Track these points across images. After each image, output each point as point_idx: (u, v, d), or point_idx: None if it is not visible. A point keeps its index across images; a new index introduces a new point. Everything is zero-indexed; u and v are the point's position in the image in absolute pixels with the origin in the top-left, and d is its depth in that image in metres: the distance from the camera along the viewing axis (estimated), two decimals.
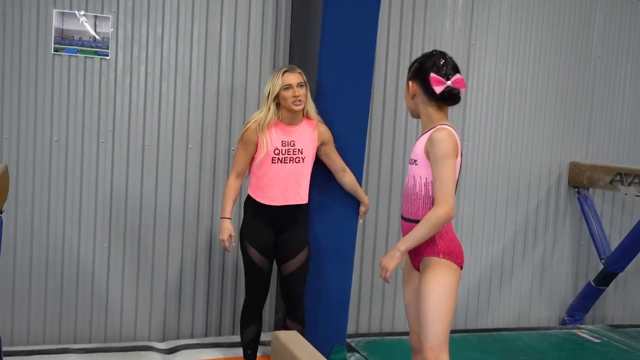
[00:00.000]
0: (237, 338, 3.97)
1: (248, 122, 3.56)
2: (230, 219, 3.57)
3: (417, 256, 2.76)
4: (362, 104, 4.04)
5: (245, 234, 3.58)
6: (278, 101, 3.46)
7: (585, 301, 5.29)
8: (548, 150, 5.22)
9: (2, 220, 2.92)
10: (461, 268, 2.69)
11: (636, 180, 4.71)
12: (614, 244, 5.13)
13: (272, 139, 3.47)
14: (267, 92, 3.48)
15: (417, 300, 2.74)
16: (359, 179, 4.05)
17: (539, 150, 5.19)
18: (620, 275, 5.19)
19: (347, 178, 3.77)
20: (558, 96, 5.20)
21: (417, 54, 4.60)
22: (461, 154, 2.68)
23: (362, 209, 3.92)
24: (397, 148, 4.77)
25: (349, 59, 3.94)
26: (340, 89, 3.95)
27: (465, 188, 4.99)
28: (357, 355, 4.30)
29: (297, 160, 3.52)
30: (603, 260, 5.05)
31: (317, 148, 3.61)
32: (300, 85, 3.45)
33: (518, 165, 5.15)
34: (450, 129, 2.61)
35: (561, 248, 5.38)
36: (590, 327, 5.17)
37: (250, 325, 3.63)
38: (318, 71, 3.93)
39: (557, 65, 5.18)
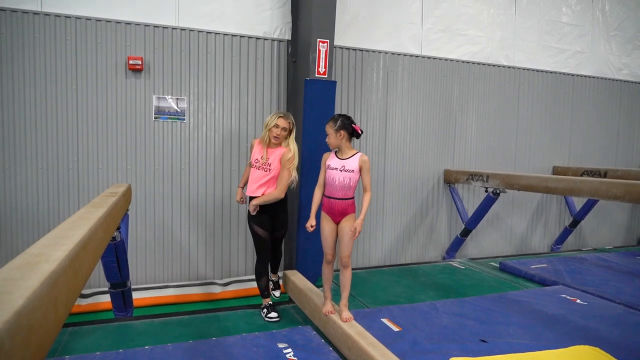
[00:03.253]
0: None
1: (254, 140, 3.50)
2: (242, 187, 3.51)
3: (342, 215, 2.98)
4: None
5: (252, 219, 3.39)
6: (269, 132, 3.32)
7: (455, 246, 5.50)
8: (432, 163, 5.40)
9: (128, 216, 3.10)
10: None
11: (480, 178, 4.93)
12: (470, 213, 5.35)
13: (254, 153, 3.39)
14: (266, 123, 3.35)
15: (333, 234, 3.05)
16: None
17: (427, 163, 5.37)
18: (474, 231, 5.47)
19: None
20: (436, 133, 5.38)
21: (358, 114, 4.97)
22: None
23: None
24: None
25: (319, 115, 4.02)
26: (315, 134, 4.00)
27: (389, 185, 5.19)
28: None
29: (264, 169, 3.34)
30: (464, 223, 5.30)
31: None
32: (284, 129, 3.32)
33: (416, 171, 5.33)
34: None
35: (441, 217, 5.55)
36: (458, 260, 5.34)
37: (264, 276, 3.48)
38: (303, 123, 4.11)
39: (434, 116, 5.36)
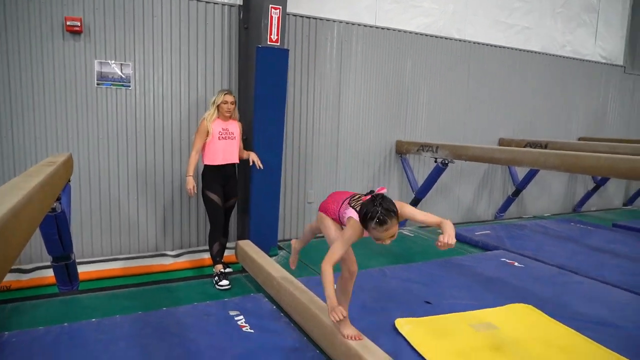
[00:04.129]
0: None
1: (202, 118, 3.66)
2: (192, 176, 3.59)
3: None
4: (279, 110, 4.17)
5: (206, 187, 3.64)
6: (218, 108, 3.64)
7: None
8: (384, 134, 5.48)
9: (70, 187, 3.00)
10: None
11: (430, 149, 5.06)
12: (420, 183, 5.48)
13: (215, 127, 3.62)
14: (213, 101, 3.66)
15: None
16: (279, 150, 4.19)
17: (380, 133, 5.44)
18: (423, 200, 5.58)
19: (244, 154, 3.87)
20: (389, 104, 5.46)
21: (312, 85, 4.94)
22: None
23: (252, 154, 3.86)
24: (302, 133, 4.97)
25: (271, 86, 4.06)
26: (267, 103, 4.07)
27: (342, 156, 5.22)
28: (284, 251, 4.50)
29: (231, 138, 3.68)
30: (414, 192, 5.47)
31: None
32: (232, 103, 3.65)
33: (369, 142, 5.39)
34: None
35: (393, 187, 5.66)
36: (408, 228, 5.49)
37: (216, 242, 3.66)
38: (254, 92, 4.05)
39: (387, 87, 5.41)
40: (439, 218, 2.17)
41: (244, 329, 2.69)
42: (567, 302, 3.27)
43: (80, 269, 3.62)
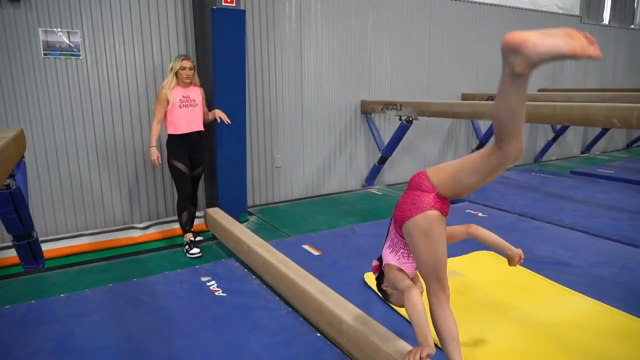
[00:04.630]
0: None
1: (161, 87, 3.56)
2: (155, 147, 3.53)
3: None
4: (239, 74, 4.06)
5: (172, 156, 3.56)
6: (177, 75, 3.53)
7: (373, 174, 5.69)
8: (349, 94, 5.44)
9: (25, 163, 2.84)
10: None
11: (394, 107, 5.04)
12: (386, 141, 5.51)
13: (175, 95, 3.53)
14: (171, 67, 3.54)
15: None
16: (242, 115, 4.09)
17: (344, 94, 5.41)
18: (390, 158, 5.64)
19: (209, 115, 3.78)
20: (352, 64, 5.39)
21: (272, 47, 4.79)
22: None
23: (217, 111, 3.77)
24: (265, 97, 4.88)
25: (229, 50, 3.95)
26: (226, 68, 3.96)
27: (307, 118, 5.17)
28: (254, 216, 4.51)
29: (193, 105, 3.59)
30: (381, 151, 5.48)
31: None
32: (190, 68, 3.54)
33: (334, 103, 5.36)
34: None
35: (360, 147, 5.67)
36: (376, 187, 5.62)
37: (185, 211, 3.63)
38: (212, 57, 3.92)
39: (349, 47, 5.34)
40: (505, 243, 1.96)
41: (216, 293, 2.72)
42: (527, 246, 3.42)
43: (46, 247, 3.55)
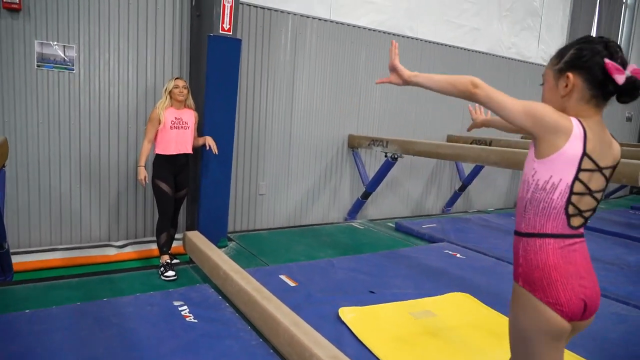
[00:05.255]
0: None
1: (154, 107, 3.59)
2: (144, 166, 3.51)
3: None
4: (231, 101, 4.11)
5: (156, 176, 3.53)
6: (171, 95, 3.56)
7: (356, 207, 5.70)
8: (338, 127, 5.51)
9: (4, 172, 2.88)
10: (561, 314, 1.20)
11: (380, 143, 5.11)
12: (371, 176, 5.47)
13: (168, 116, 3.53)
14: (165, 88, 3.60)
15: None
16: (230, 141, 4.15)
17: (333, 127, 5.47)
18: (374, 194, 5.67)
19: (200, 140, 3.82)
20: (343, 98, 5.47)
21: (265, 76, 4.89)
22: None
23: (208, 138, 3.79)
24: (255, 124, 4.90)
25: (222, 76, 4.01)
26: (218, 94, 3.99)
27: (295, 147, 5.19)
28: (234, 242, 4.47)
29: (185, 128, 3.61)
30: (365, 185, 5.49)
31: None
32: (184, 87, 3.58)
33: (322, 135, 5.40)
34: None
35: (344, 180, 5.69)
36: (359, 221, 5.65)
37: (165, 232, 3.59)
38: (206, 82, 3.97)
39: (341, 81, 5.43)
40: None
41: (187, 319, 2.67)
42: (502, 290, 3.45)
43: (16, 259, 3.47)
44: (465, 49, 6.60)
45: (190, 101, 3.74)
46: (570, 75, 1.26)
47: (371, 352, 2.42)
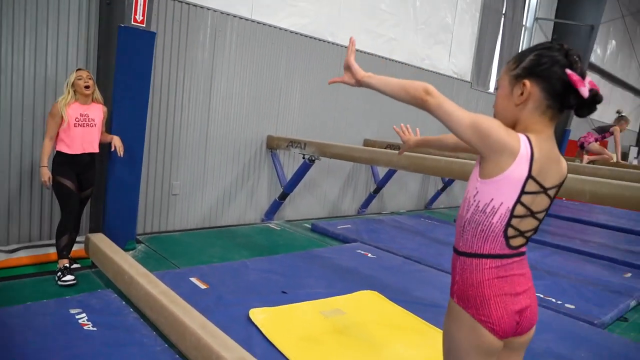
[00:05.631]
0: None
1: (56, 102, 3.32)
2: (47, 167, 3.28)
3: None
4: (142, 97, 3.93)
5: (57, 173, 3.27)
6: (74, 88, 3.29)
7: (274, 208, 5.69)
8: (257, 127, 5.47)
9: None
10: (492, 332, 1.20)
11: (299, 145, 5.15)
12: (289, 177, 5.52)
13: (71, 113, 3.27)
14: (66, 82, 3.32)
15: None
16: (141, 138, 3.98)
17: (252, 127, 5.42)
18: (292, 195, 5.72)
19: (107, 137, 3.59)
20: (262, 99, 5.45)
21: (182, 73, 4.74)
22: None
23: (116, 140, 3.56)
24: (169, 122, 4.71)
25: (133, 71, 3.81)
26: (128, 89, 3.81)
27: (211, 146, 5.08)
28: (143, 245, 4.27)
29: (91, 125, 3.36)
30: (282, 186, 5.51)
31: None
32: (89, 77, 3.30)
33: (240, 135, 5.33)
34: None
35: (262, 181, 5.66)
36: (276, 222, 5.67)
37: (66, 234, 3.33)
38: (114, 77, 3.79)
39: (261, 82, 5.40)
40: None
41: (85, 327, 2.51)
42: (408, 287, 3.67)
43: None
44: (383, 58, 6.90)
45: (98, 95, 3.48)
46: (527, 82, 1.19)
47: (280, 352, 2.44)
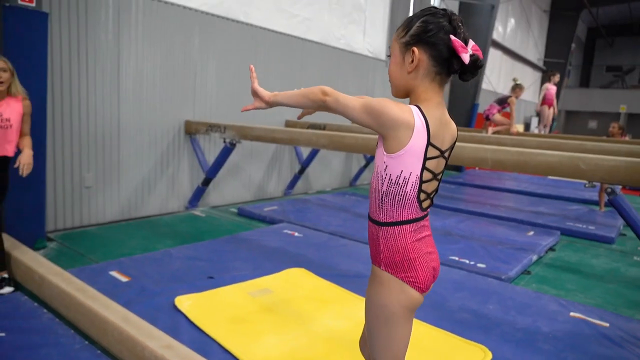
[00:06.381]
0: None
1: None
2: None
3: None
4: (38, 84, 3.69)
5: None
6: None
7: (197, 195, 5.59)
8: (173, 112, 5.29)
9: None
10: (418, 290, 1.32)
11: (218, 129, 5.06)
12: (211, 162, 5.40)
13: None
14: None
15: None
16: (42, 129, 3.73)
17: (167, 112, 5.23)
18: (215, 180, 5.65)
19: (21, 142, 3.05)
20: (176, 83, 5.27)
21: (84, 56, 4.39)
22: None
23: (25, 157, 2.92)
24: (74, 110, 4.45)
25: (25, 55, 3.53)
26: (22, 75, 3.26)
27: (124, 135, 4.83)
28: (55, 242, 4.04)
29: (5, 127, 2.94)
30: (205, 172, 5.39)
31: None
32: (3, 70, 2.90)
33: (156, 121, 5.14)
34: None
35: (183, 168, 5.53)
36: (200, 209, 5.55)
37: None
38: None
39: (174, 65, 5.21)
40: None
41: None
42: (334, 262, 3.82)
43: None
44: (299, 38, 6.92)
45: (18, 86, 3.02)
46: (415, 50, 1.24)
47: (209, 336, 2.46)
